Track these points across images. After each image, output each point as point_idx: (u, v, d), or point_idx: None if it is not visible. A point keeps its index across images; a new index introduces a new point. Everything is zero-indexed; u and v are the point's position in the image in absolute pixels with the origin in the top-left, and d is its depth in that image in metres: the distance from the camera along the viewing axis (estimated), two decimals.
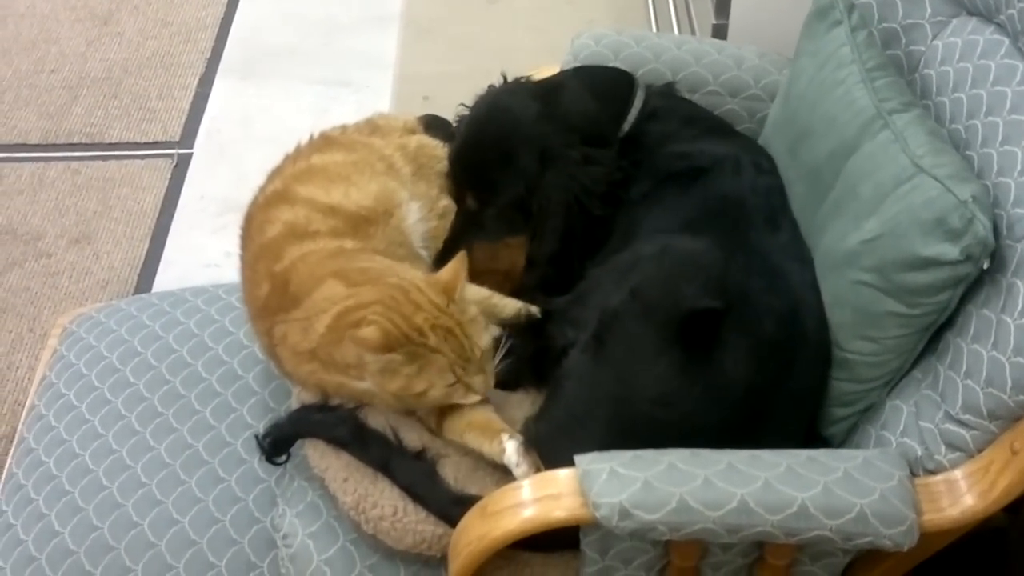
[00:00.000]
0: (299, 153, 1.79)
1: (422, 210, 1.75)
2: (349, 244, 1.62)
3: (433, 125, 1.91)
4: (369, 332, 1.42)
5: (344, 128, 1.86)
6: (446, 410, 1.54)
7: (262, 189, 1.76)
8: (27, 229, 2.75)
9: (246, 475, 1.66)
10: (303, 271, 1.57)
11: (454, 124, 1.87)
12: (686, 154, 1.72)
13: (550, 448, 1.46)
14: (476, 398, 1.51)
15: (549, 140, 1.71)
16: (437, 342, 1.46)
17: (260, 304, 1.62)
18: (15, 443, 1.82)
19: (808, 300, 1.56)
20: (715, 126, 1.83)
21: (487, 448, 1.49)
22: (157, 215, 2.80)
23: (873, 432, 1.50)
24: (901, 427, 1.45)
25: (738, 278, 1.52)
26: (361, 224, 1.66)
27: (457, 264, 1.51)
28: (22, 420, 1.85)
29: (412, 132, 1.87)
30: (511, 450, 1.47)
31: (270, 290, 1.60)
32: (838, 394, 1.55)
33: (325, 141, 1.81)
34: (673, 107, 1.82)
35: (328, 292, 1.53)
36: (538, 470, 1.45)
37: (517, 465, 1.46)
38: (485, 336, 1.52)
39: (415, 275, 1.54)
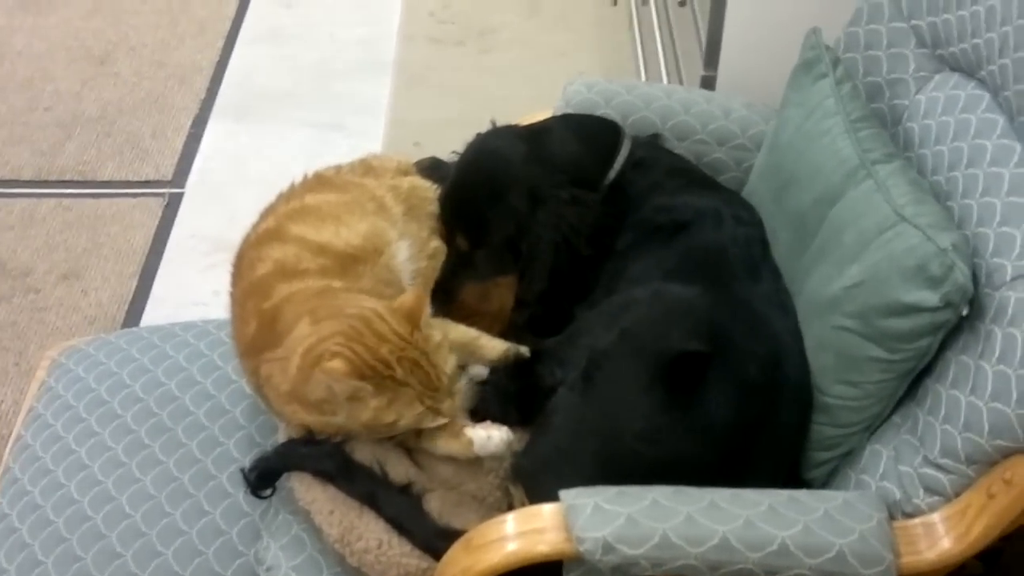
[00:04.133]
0: (293, 192, 1.79)
1: (411, 249, 1.76)
2: (337, 283, 1.62)
3: (433, 167, 1.92)
4: (335, 363, 1.43)
5: (338, 168, 1.87)
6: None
7: (255, 227, 1.76)
8: (16, 264, 2.76)
9: (231, 508, 1.67)
10: (289, 310, 1.57)
11: None
12: (669, 207, 1.74)
13: (536, 482, 1.47)
14: (444, 421, 1.52)
15: (538, 180, 1.73)
16: (404, 375, 1.47)
17: (248, 342, 1.62)
18: (0, 473, 1.82)
19: (789, 346, 1.58)
20: (697, 179, 1.85)
21: (459, 450, 1.52)
22: (147, 253, 2.81)
23: (853, 476, 1.52)
24: (880, 471, 1.47)
25: (723, 324, 1.54)
26: (350, 263, 1.67)
27: (419, 291, 1.53)
28: (7, 450, 1.84)
29: (406, 173, 1.87)
30: (476, 437, 1.50)
31: (257, 328, 1.60)
32: (819, 438, 1.57)
33: (319, 181, 1.82)
34: (658, 157, 1.85)
35: (299, 332, 1.53)
36: (522, 504, 1.46)
37: (489, 438, 1.49)
38: (451, 360, 1.53)
39: (376, 303, 1.54)
